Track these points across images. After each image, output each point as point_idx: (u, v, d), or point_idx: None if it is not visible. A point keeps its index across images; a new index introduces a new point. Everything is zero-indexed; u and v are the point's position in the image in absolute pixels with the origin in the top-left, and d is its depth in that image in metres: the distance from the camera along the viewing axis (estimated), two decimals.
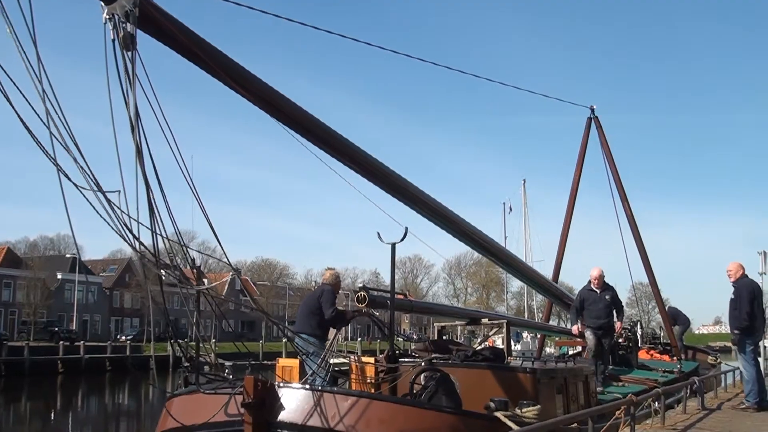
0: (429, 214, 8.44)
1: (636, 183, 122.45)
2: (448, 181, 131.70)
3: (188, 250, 5.17)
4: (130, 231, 4.47)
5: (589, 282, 12.82)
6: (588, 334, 12.37)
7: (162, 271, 4.90)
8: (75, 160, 4.26)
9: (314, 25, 7.01)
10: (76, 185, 4.26)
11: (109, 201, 4.35)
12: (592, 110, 19.38)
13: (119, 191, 4.38)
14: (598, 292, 12.53)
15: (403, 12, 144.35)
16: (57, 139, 4.16)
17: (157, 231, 4.61)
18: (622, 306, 13.58)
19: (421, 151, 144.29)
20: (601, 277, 12.62)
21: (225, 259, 5.93)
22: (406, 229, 7.70)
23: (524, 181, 65.89)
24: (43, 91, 4.03)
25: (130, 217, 4.45)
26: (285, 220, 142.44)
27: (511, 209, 61.99)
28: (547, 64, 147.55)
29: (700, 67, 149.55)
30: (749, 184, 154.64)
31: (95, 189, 4.31)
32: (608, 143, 19.09)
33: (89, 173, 4.30)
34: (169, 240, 4.81)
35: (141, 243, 4.55)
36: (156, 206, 4.55)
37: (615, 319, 12.82)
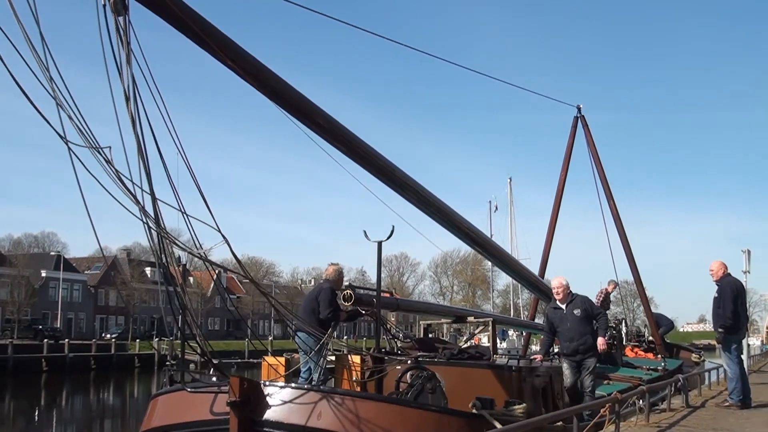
0: (416, 200, 8.31)
1: (621, 181, 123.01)
2: (433, 178, 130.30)
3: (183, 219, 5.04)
4: (130, 191, 4.42)
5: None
6: (564, 365, 9.70)
7: (162, 231, 4.78)
8: (69, 116, 4.17)
9: (307, 6, 6.94)
10: (62, 140, 4.13)
11: (102, 154, 4.28)
12: (579, 109, 19.47)
13: (110, 147, 4.34)
14: (564, 308, 9.82)
15: (390, 9, 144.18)
16: (46, 87, 4.06)
17: (156, 196, 4.57)
18: (603, 317, 10.10)
19: (406, 148, 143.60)
20: (561, 288, 9.85)
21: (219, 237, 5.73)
22: (393, 227, 7.69)
23: (510, 179, 65.91)
24: (41, 39, 3.97)
25: (133, 183, 4.39)
26: (271, 218, 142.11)
27: (497, 208, 62.25)
28: (533, 63, 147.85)
29: (685, 66, 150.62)
30: (732, 182, 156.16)
31: (91, 146, 4.23)
32: (594, 142, 19.21)
33: (84, 128, 4.21)
34: (164, 202, 4.74)
35: (139, 202, 4.49)
36: (151, 179, 4.50)
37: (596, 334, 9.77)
